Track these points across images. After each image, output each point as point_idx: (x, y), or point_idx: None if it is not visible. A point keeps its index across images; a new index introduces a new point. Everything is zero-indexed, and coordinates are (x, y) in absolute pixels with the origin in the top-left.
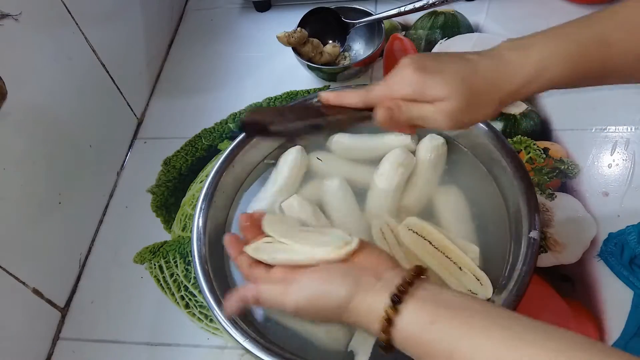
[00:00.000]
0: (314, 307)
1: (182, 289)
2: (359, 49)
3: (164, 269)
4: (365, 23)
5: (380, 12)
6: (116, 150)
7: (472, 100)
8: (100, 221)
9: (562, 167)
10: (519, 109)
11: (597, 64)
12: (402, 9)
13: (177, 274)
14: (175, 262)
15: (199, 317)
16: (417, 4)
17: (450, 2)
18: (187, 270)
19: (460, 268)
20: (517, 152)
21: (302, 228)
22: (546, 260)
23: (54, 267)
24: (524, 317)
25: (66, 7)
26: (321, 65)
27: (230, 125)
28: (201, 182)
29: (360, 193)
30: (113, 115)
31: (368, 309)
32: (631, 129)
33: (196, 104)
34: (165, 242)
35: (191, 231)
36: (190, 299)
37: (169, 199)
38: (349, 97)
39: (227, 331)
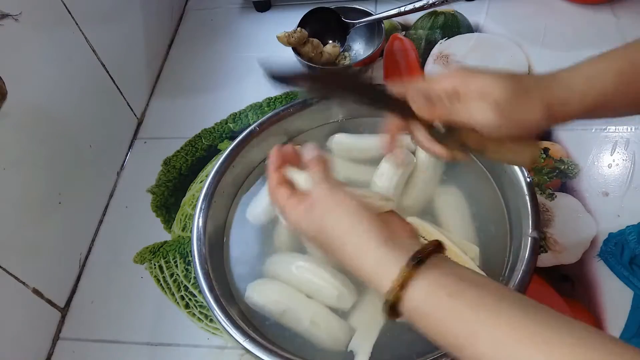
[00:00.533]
0: (326, 231)
1: (182, 289)
2: (359, 49)
3: (164, 269)
4: (365, 23)
5: (380, 12)
6: (116, 150)
7: (519, 92)
8: (100, 221)
9: (562, 167)
10: None
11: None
12: (402, 9)
13: (177, 274)
14: (175, 262)
15: (199, 317)
16: (417, 4)
17: (450, 2)
18: (187, 270)
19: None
20: None
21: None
22: (546, 260)
23: (54, 267)
24: (544, 307)
25: (66, 7)
26: (321, 65)
27: (230, 125)
28: (201, 182)
29: None
30: (113, 115)
31: (379, 260)
32: (631, 129)
33: (196, 104)
34: (165, 242)
35: (191, 231)
36: (190, 299)
37: (169, 199)
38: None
39: (227, 331)
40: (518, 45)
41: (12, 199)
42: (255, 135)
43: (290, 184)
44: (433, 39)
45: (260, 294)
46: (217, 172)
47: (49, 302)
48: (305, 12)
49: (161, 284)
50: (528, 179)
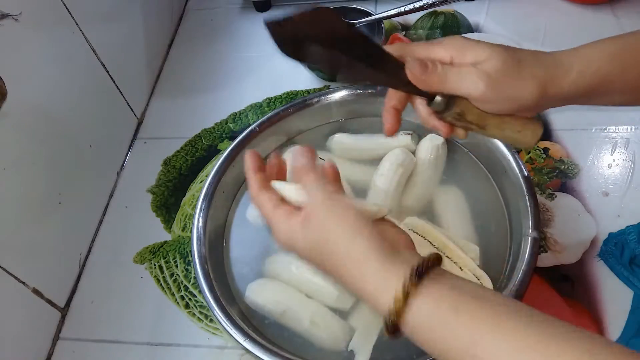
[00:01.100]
0: (325, 249)
1: (182, 289)
2: None
3: (164, 269)
4: (365, 23)
5: (380, 12)
6: (116, 150)
7: (513, 64)
8: (100, 221)
9: (562, 167)
10: None
11: None
12: (402, 9)
13: (177, 274)
14: (175, 262)
15: (199, 317)
16: (417, 4)
17: (450, 2)
18: (187, 270)
19: (460, 268)
20: (517, 152)
21: None
22: (546, 260)
23: (54, 267)
24: (549, 317)
25: (66, 7)
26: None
27: (230, 125)
28: (201, 182)
29: (360, 193)
30: (113, 115)
31: (383, 276)
32: (631, 129)
33: (196, 104)
34: (165, 242)
35: (191, 231)
36: (190, 299)
37: (169, 199)
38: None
39: (227, 331)
40: (518, 45)
41: (12, 199)
42: (255, 135)
43: (274, 191)
44: (433, 39)
45: (260, 294)
46: (217, 172)
47: (49, 302)
48: None
49: (161, 284)
50: (528, 179)
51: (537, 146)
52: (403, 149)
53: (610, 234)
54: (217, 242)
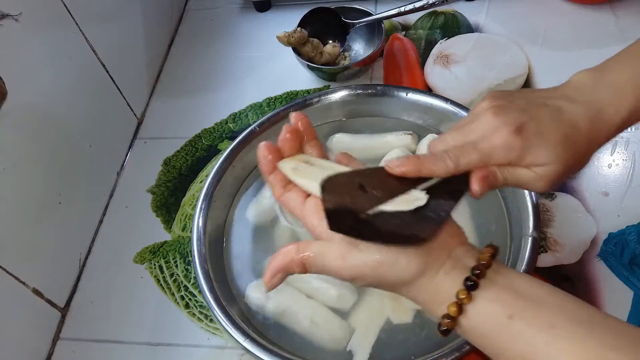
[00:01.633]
0: (375, 277)
1: (182, 289)
2: (359, 49)
3: (164, 269)
4: (365, 23)
5: (380, 12)
6: (116, 150)
7: (572, 162)
8: (100, 221)
9: None
10: None
11: None
12: (402, 9)
13: (177, 274)
14: (175, 262)
15: (199, 317)
16: (417, 4)
17: (450, 2)
18: (187, 270)
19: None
20: None
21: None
22: (546, 260)
23: (54, 267)
24: (611, 318)
25: (66, 7)
26: (321, 65)
27: (230, 125)
28: (201, 182)
29: None
30: (113, 115)
31: (435, 289)
32: (631, 129)
33: (196, 104)
34: (165, 242)
35: (191, 231)
36: (190, 299)
37: (169, 199)
38: (433, 167)
39: (227, 331)
40: (518, 45)
41: (12, 199)
42: (255, 135)
43: (297, 188)
44: (433, 39)
45: (260, 294)
46: (217, 172)
47: (49, 302)
48: (305, 12)
49: (161, 284)
50: None
51: None
52: (403, 149)
53: (610, 234)
54: (217, 242)
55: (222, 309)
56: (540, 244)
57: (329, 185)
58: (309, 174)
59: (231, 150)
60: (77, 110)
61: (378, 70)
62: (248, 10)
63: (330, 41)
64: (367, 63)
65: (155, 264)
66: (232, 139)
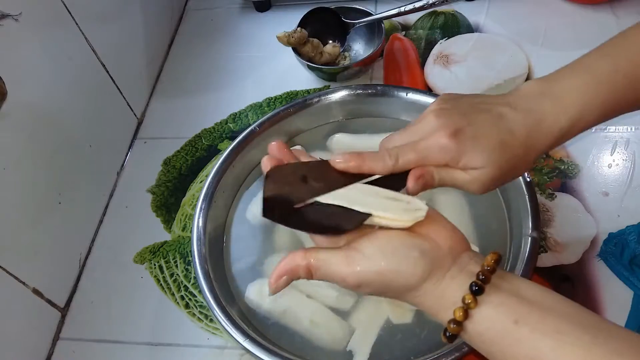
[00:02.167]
0: (380, 282)
1: (182, 289)
2: (359, 49)
3: (164, 269)
4: (365, 23)
5: (380, 12)
6: (116, 150)
7: (507, 168)
8: (100, 221)
9: (562, 167)
10: None
11: (631, 98)
12: (402, 9)
13: (177, 274)
14: (175, 262)
15: (199, 317)
16: (417, 4)
17: (450, 2)
18: (187, 270)
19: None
20: None
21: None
22: (546, 260)
23: (54, 267)
24: (615, 326)
25: (66, 7)
26: (321, 65)
27: (230, 125)
28: (201, 182)
29: None
30: (113, 115)
31: (441, 294)
32: (631, 129)
33: (196, 104)
34: (165, 242)
35: (191, 231)
36: (190, 299)
37: (169, 199)
38: (373, 165)
39: (227, 331)
40: (518, 45)
41: (12, 199)
42: (255, 135)
43: None
44: (433, 39)
45: (260, 294)
46: (217, 172)
47: (49, 302)
48: (305, 12)
49: (161, 284)
50: (528, 179)
51: None
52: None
53: (610, 234)
54: (217, 242)
55: (222, 309)
56: (540, 244)
57: (273, 174)
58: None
59: (231, 150)
60: (77, 110)
61: (378, 70)
62: (248, 10)
63: (330, 41)
64: (367, 63)
65: (155, 264)
66: (232, 139)
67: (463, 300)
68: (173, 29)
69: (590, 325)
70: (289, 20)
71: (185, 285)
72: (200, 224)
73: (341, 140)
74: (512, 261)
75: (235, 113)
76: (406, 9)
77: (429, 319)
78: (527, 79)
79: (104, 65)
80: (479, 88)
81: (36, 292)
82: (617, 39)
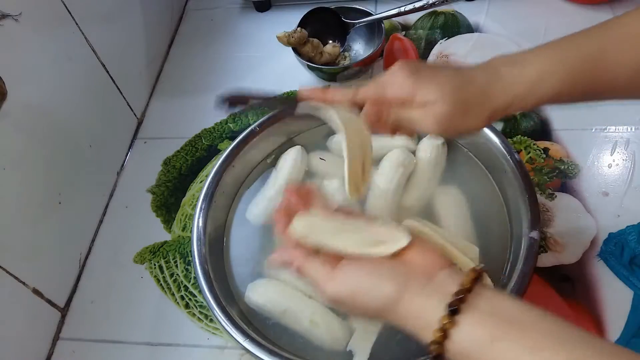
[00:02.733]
0: (354, 301)
1: (182, 289)
2: (359, 49)
3: (164, 269)
4: (365, 23)
5: (380, 12)
6: (116, 150)
7: (461, 107)
8: (100, 221)
9: (562, 167)
10: None
11: (593, 79)
12: (402, 9)
13: (177, 274)
14: (175, 262)
15: (199, 317)
16: (417, 4)
17: (450, 2)
18: (187, 270)
19: (460, 269)
20: (517, 152)
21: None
22: (546, 260)
23: (54, 267)
24: (594, 339)
25: (66, 7)
26: (321, 65)
27: (230, 125)
28: (201, 182)
29: None
30: (113, 115)
31: (417, 313)
32: (631, 129)
33: (196, 104)
34: (165, 242)
35: (191, 231)
36: (190, 299)
37: (169, 199)
38: (336, 94)
39: (227, 331)
40: (518, 45)
41: (12, 199)
42: (255, 135)
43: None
44: (433, 39)
45: (260, 294)
46: (217, 172)
47: (49, 302)
48: (305, 12)
49: (161, 284)
50: (528, 179)
51: (537, 146)
52: (403, 149)
53: (610, 234)
54: (217, 242)
55: (222, 309)
56: (540, 244)
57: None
58: (316, 233)
59: (231, 150)
60: (77, 110)
61: (378, 70)
62: (248, 10)
63: (330, 41)
64: (367, 63)
65: (155, 264)
66: (232, 139)
67: (440, 321)
68: (173, 29)
69: (571, 340)
70: (289, 20)
71: (185, 285)
72: (200, 224)
73: (341, 140)
74: (512, 261)
75: (235, 113)
76: (406, 9)
77: None
78: None
79: (104, 66)
80: None
81: (36, 292)
82: (591, 30)
